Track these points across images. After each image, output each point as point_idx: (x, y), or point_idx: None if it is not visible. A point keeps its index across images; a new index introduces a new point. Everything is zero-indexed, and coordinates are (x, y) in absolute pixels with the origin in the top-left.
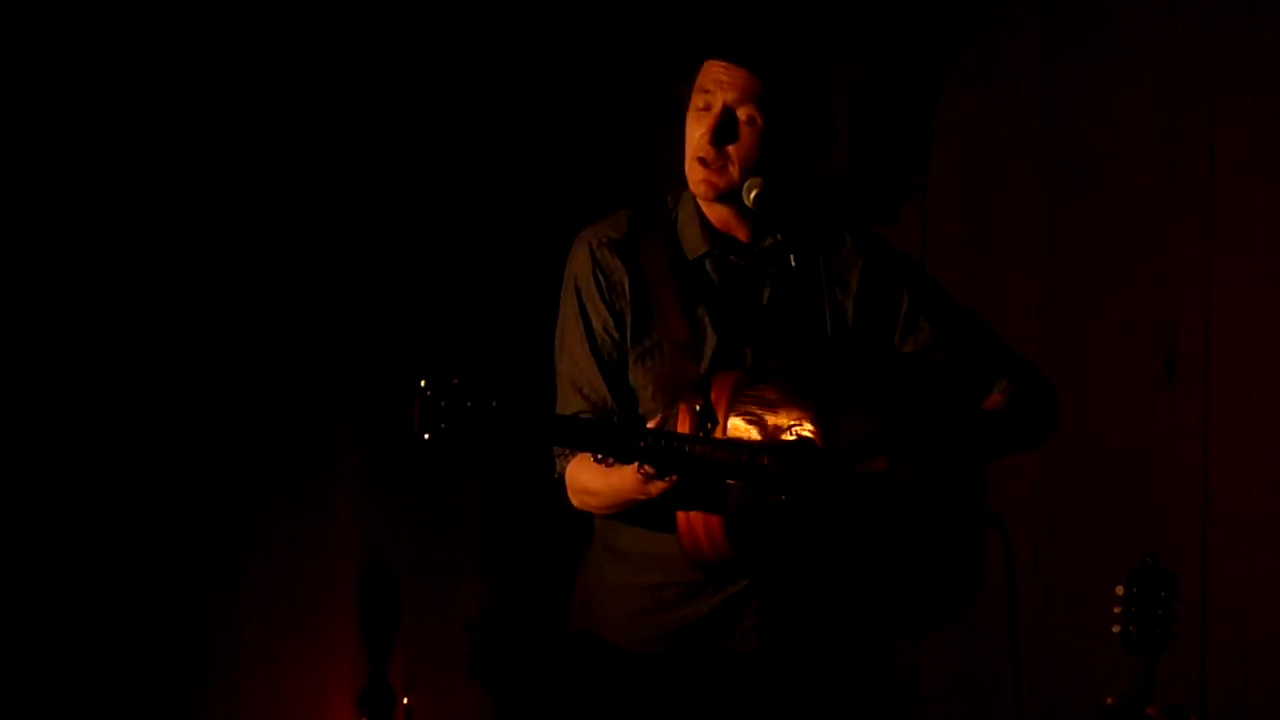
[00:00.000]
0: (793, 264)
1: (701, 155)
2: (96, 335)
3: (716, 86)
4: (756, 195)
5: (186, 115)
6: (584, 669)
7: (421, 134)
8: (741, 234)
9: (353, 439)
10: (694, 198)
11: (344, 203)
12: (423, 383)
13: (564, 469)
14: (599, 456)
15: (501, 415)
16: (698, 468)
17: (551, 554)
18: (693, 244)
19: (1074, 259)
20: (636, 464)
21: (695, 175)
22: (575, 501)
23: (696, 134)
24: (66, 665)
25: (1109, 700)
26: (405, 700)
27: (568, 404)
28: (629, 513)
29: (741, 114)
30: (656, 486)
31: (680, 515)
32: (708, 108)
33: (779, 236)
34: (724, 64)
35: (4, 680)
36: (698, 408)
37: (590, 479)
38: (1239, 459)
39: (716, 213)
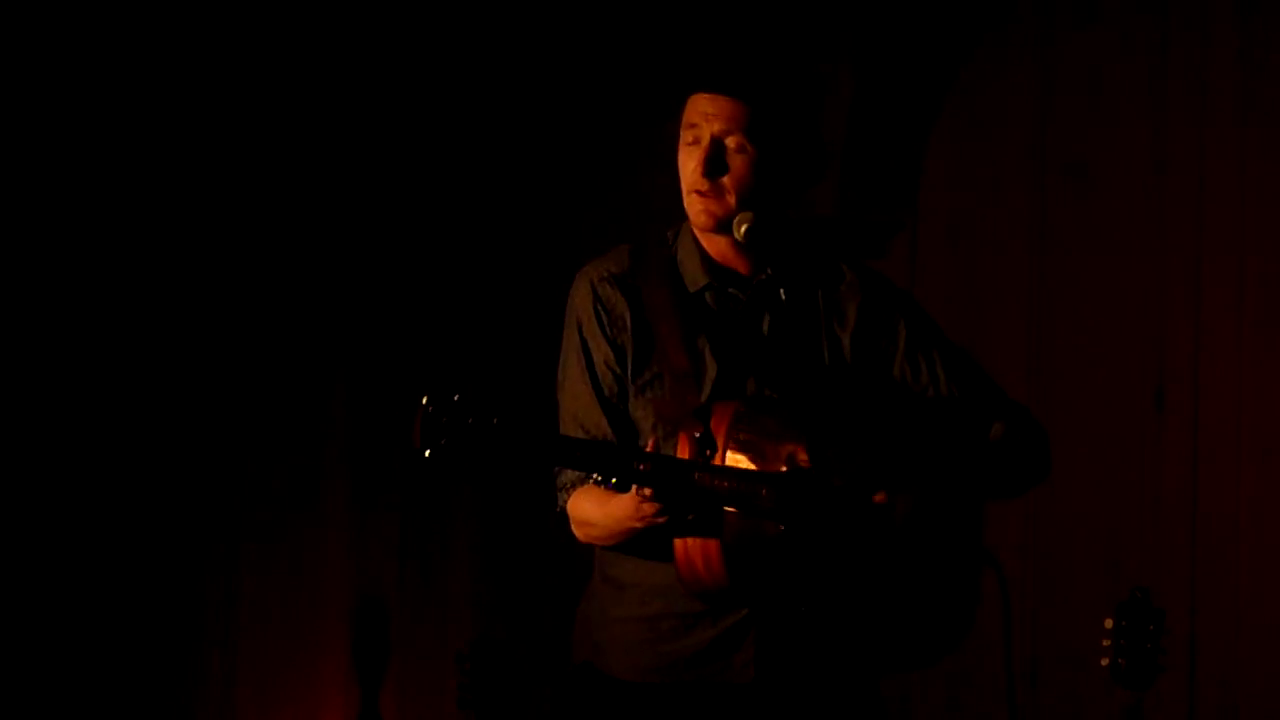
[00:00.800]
0: (783, 297)
1: (697, 188)
2: (98, 367)
3: (703, 119)
4: (747, 229)
5: (185, 126)
6: (583, 701)
7: (416, 149)
8: (741, 266)
9: (344, 469)
10: (692, 231)
11: (338, 231)
12: (424, 399)
13: (565, 503)
14: (598, 479)
15: (503, 433)
16: (695, 492)
17: (544, 585)
18: (693, 276)
19: (1063, 292)
20: (635, 490)
21: (694, 207)
22: (579, 534)
23: (689, 167)
24: (64, 695)
25: None
26: None
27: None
28: (629, 544)
29: (730, 143)
30: (652, 509)
31: (678, 544)
32: (696, 141)
33: (769, 271)
34: (708, 95)
35: None
36: (697, 435)
37: (590, 509)
38: (1228, 491)
39: (716, 245)
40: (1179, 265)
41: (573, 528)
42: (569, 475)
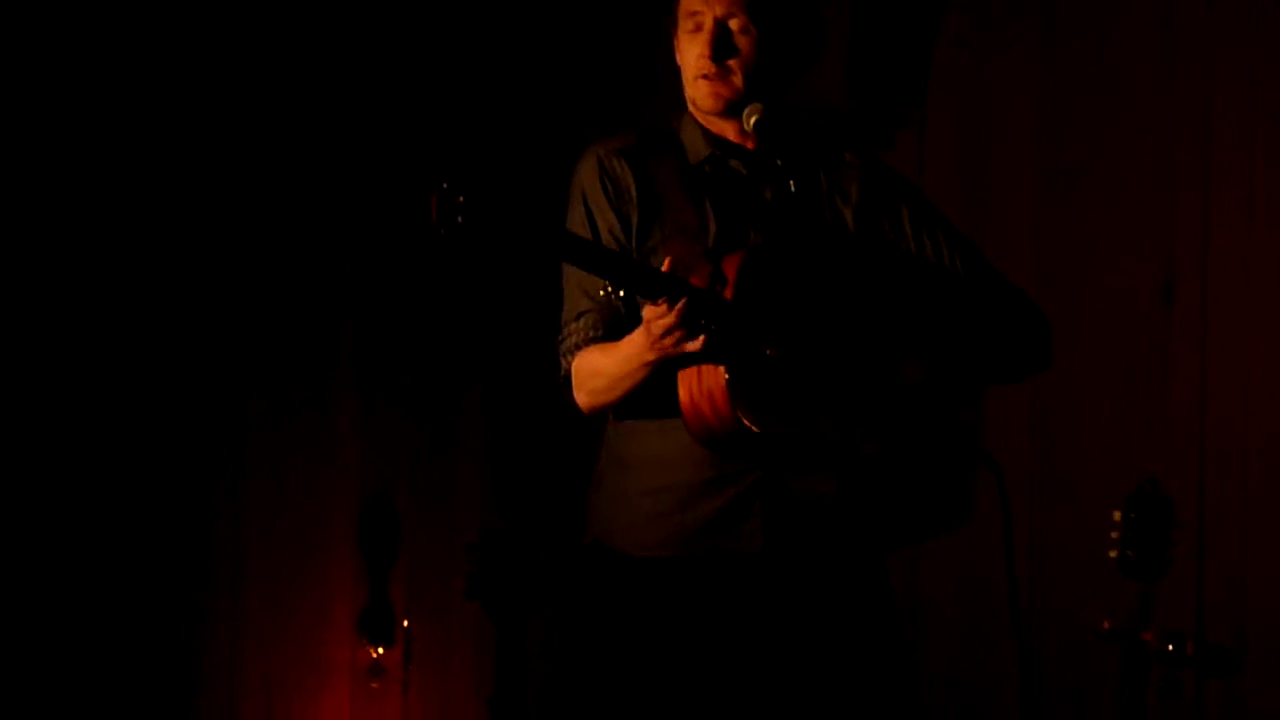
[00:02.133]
0: (793, 189)
1: (704, 72)
2: (93, 274)
3: (704, 4)
4: (757, 120)
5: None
6: (594, 578)
7: (418, 38)
8: (745, 144)
9: (351, 360)
10: (694, 116)
11: (341, 118)
12: (443, 182)
13: (569, 365)
14: (609, 290)
15: (518, 217)
16: (705, 307)
17: (552, 475)
18: (695, 150)
19: (1072, 189)
20: (645, 321)
21: (701, 91)
22: (581, 398)
23: (693, 53)
24: (70, 586)
25: (1106, 625)
26: (405, 623)
27: (575, 306)
28: (635, 404)
29: (734, 25)
30: (664, 326)
31: (683, 388)
32: (699, 28)
33: (779, 162)
34: None
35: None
36: (709, 272)
37: (596, 358)
38: (1236, 383)
39: (719, 127)
40: (1188, 158)
41: (576, 394)
42: (573, 339)
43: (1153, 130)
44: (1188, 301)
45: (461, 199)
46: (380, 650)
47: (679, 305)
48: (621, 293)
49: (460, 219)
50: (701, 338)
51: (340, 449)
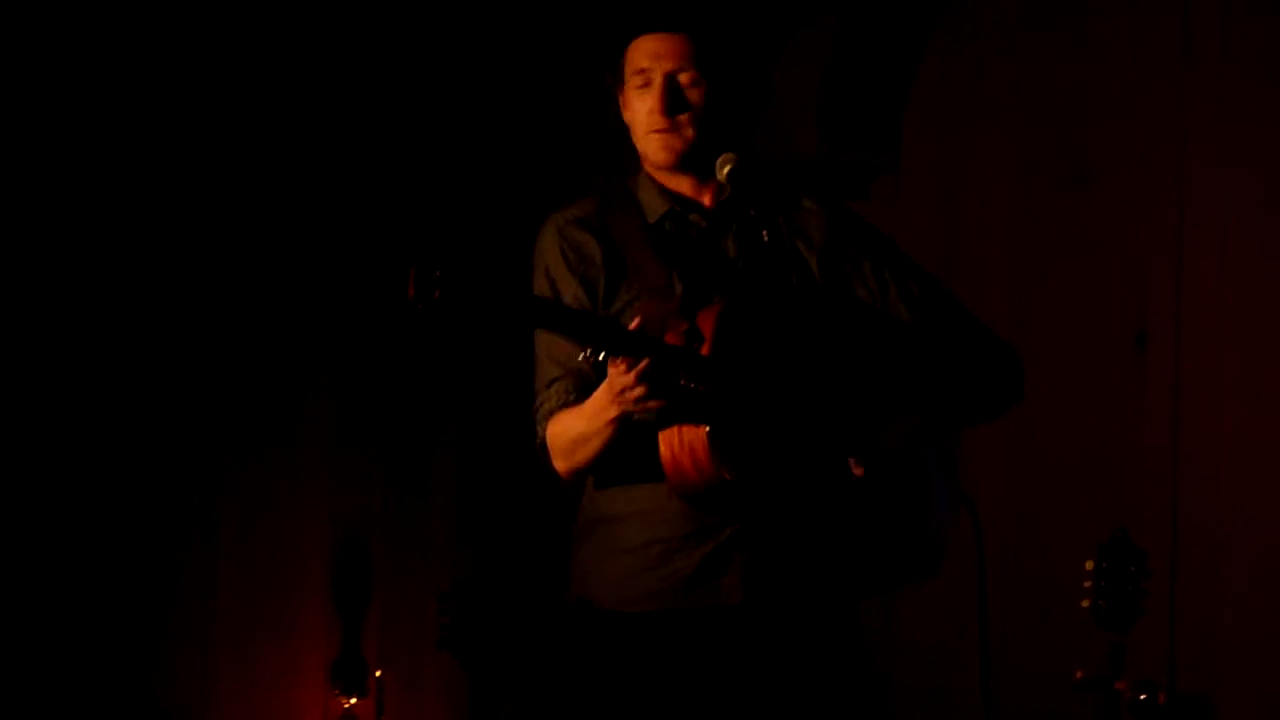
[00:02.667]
0: (765, 239)
1: (656, 128)
2: (65, 305)
3: (653, 60)
4: (730, 170)
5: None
6: (577, 635)
7: (399, 113)
8: (701, 198)
9: (328, 406)
10: (648, 172)
11: (322, 180)
12: (419, 258)
13: (544, 433)
14: (586, 354)
15: (494, 291)
16: (679, 386)
17: (525, 526)
18: (652, 208)
19: (1046, 235)
20: (609, 368)
21: (653, 145)
22: (558, 464)
23: (644, 109)
24: (39, 634)
25: (1079, 674)
26: (378, 673)
27: (547, 373)
28: (613, 463)
29: (684, 79)
30: (630, 379)
31: (664, 443)
32: (648, 83)
33: (752, 213)
34: (654, 35)
35: None
36: (684, 329)
37: (568, 418)
38: (1209, 431)
39: (674, 182)
40: (1162, 205)
41: (553, 460)
42: (547, 406)
43: (1127, 178)
44: (1161, 348)
45: (438, 273)
46: (353, 700)
47: (641, 364)
48: (602, 355)
49: (437, 294)
50: (663, 401)
51: (313, 496)
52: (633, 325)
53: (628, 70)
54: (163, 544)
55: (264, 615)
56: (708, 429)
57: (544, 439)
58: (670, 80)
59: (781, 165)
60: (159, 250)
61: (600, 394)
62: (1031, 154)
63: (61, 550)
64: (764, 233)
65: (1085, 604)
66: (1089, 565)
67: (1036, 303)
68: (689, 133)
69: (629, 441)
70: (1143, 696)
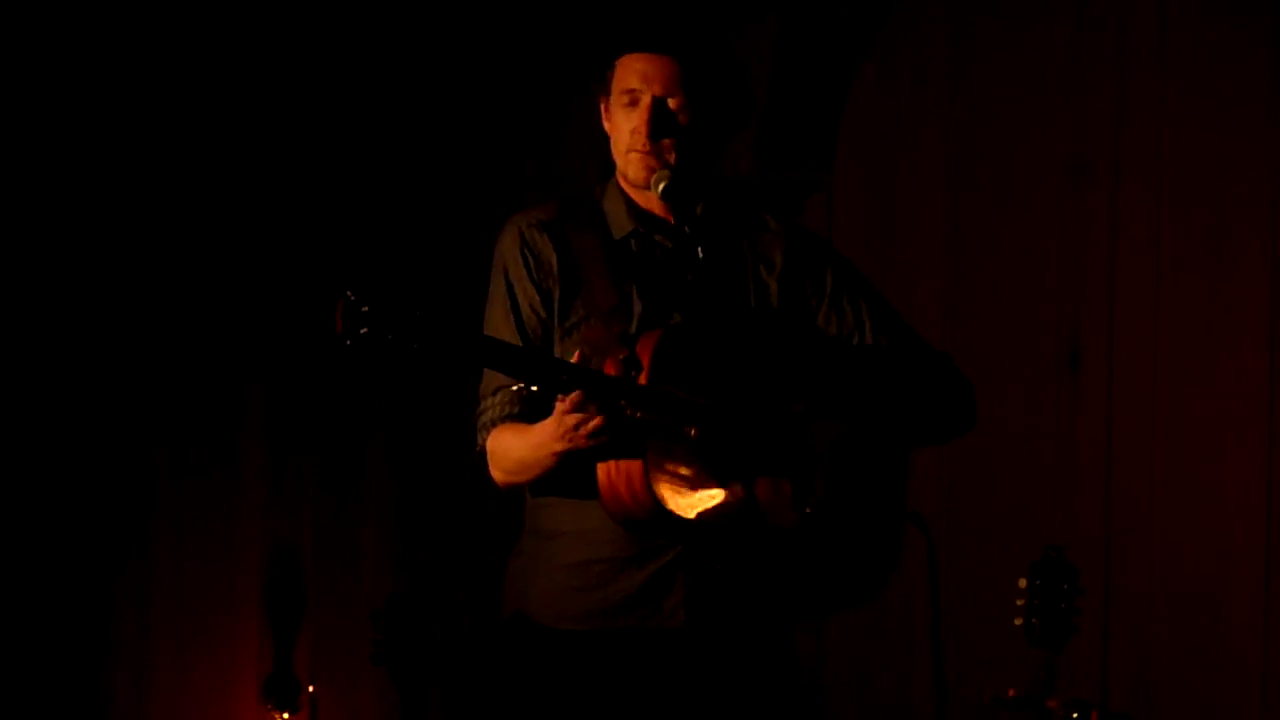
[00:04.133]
0: (700, 255)
1: (638, 148)
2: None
3: (642, 81)
4: (665, 187)
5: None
6: (514, 651)
7: (338, 121)
8: (668, 217)
9: (260, 421)
10: (619, 185)
11: (258, 193)
12: (348, 290)
13: (484, 441)
14: (520, 388)
15: (425, 324)
16: (619, 414)
17: (459, 542)
18: (619, 224)
19: (978, 251)
20: (556, 407)
21: (633, 164)
22: (496, 474)
23: (627, 128)
24: None
25: (1011, 693)
26: (311, 688)
27: (491, 381)
28: (551, 483)
29: (673, 104)
30: (574, 420)
31: (601, 471)
32: (635, 103)
33: (687, 229)
34: (646, 56)
35: None
36: (622, 358)
37: (510, 439)
38: (1142, 451)
39: (647, 199)
40: (1095, 224)
41: (491, 470)
42: (490, 414)
43: (1058, 195)
44: (1093, 367)
45: (366, 309)
46: (285, 716)
47: (583, 401)
48: (535, 388)
49: (364, 330)
50: (606, 439)
51: (247, 510)
52: (574, 358)
53: (615, 85)
54: (97, 558)
55: (198, 629)
56: (644, 461)
57: (484, 447)
58: (659, 104)
59: (721, 181)
60: (101, 258)
61: (547, 428)
62: (961, 166)
63: None
64: (699, 249)
65: (1018, 622)
66: (1022, 583)
67: (970, 319)
68: (670, 157)
69: (568, 463)
70: (1075, 715)
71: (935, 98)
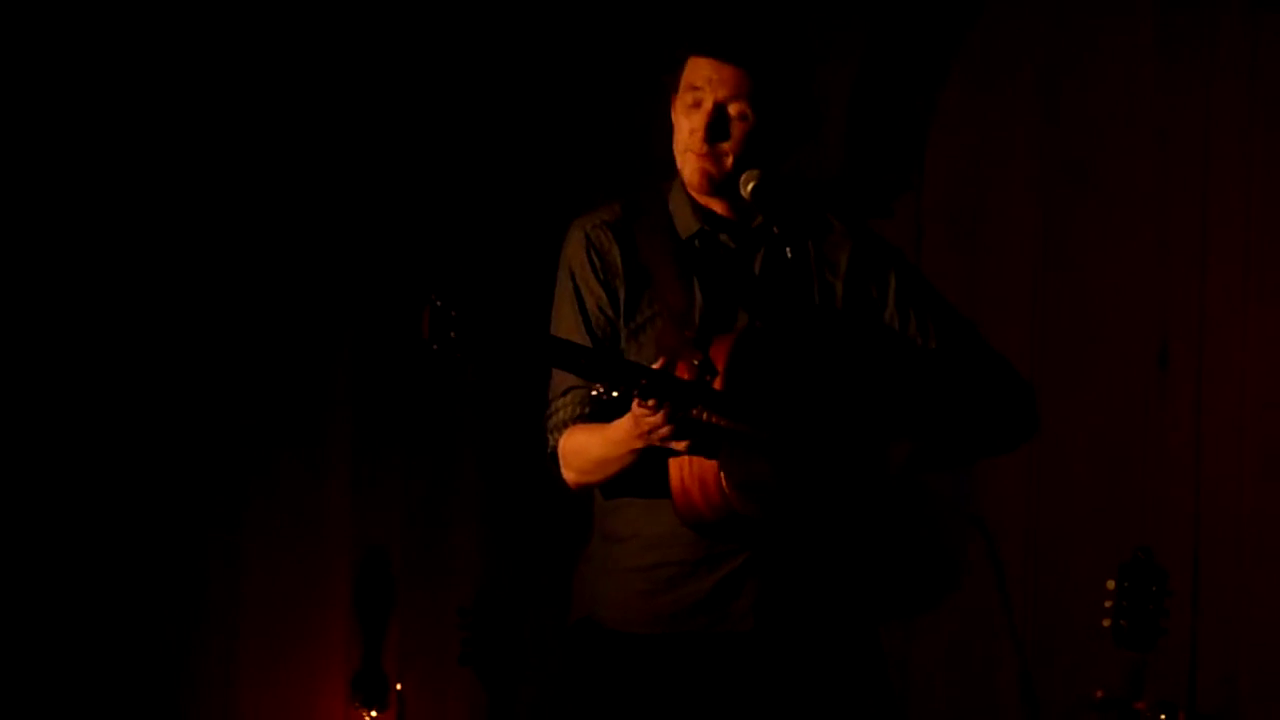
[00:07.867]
0: (789, 255)
1: (696, 150)
2: (93, 330)
3: (706, 84)
4: (754, 188)
5: (171, 114)
6: (584, 655)
7: (414, 127)
8: (731, 215)
9: (349, 422)
10: (682, 186)
11: (338, 197)
12: (434, 296)
13: (556, 442)
14: (599, 392)
15: (510, 330)
16: (695, 420)
17: (547, 542)
18: (685, 223)
19: (1068, 254)
20: (635, 404)
21: (690, 166)
22: (569, 475)
23: (687, 129)
24: (65, 646)
25: (1099, 694)
26: (399, 686)
27: (562, 381)
28: (623, 485)
29: (733, 110)
30: (655, 420)
31: (674, 474)
32: (698, 104)
33: (775, 230)
34: (714, 61)
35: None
36: (696, 362)
37: (584, 438)
38: (1231, 450)
39: (707, 200)
40: (1184, 223)
41: (563, 471)
42: (560, 415)
43: (1149, 195)
44: (1182, 366)
45: (454, 313)
46: (374, 714)
47: (666, 407)
48: (616, 393)
49: (453, 334)
50: (687, 441)
51: (336, 510)
52: (657, 365)
53: (683, 82)
54: (189, 557)
55: (287, 627)
56: (718, 462)
57: (555, 449)
58: (719, 109)
59: (808, 183)
60: (195, 273)
61: (624, 426)
62: (1052, 170)
63: (88, 562)
64: (788, 250)
65: (1106, 623)
66: (1110, 584)
67: (1059, 320)
68: (727, 162)
69: (642, 462)
70: (1163, 717)
71: (1027, 96)
